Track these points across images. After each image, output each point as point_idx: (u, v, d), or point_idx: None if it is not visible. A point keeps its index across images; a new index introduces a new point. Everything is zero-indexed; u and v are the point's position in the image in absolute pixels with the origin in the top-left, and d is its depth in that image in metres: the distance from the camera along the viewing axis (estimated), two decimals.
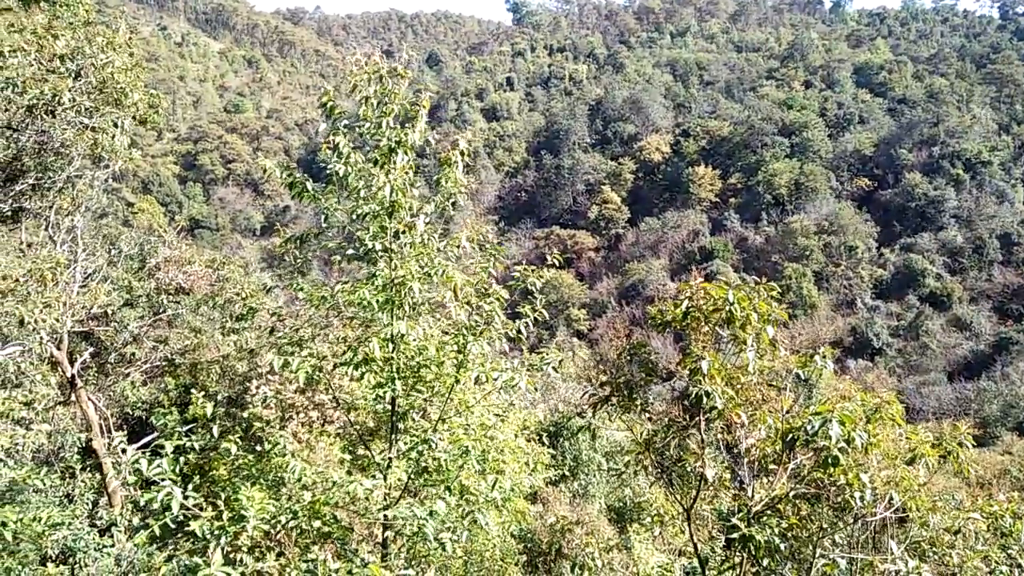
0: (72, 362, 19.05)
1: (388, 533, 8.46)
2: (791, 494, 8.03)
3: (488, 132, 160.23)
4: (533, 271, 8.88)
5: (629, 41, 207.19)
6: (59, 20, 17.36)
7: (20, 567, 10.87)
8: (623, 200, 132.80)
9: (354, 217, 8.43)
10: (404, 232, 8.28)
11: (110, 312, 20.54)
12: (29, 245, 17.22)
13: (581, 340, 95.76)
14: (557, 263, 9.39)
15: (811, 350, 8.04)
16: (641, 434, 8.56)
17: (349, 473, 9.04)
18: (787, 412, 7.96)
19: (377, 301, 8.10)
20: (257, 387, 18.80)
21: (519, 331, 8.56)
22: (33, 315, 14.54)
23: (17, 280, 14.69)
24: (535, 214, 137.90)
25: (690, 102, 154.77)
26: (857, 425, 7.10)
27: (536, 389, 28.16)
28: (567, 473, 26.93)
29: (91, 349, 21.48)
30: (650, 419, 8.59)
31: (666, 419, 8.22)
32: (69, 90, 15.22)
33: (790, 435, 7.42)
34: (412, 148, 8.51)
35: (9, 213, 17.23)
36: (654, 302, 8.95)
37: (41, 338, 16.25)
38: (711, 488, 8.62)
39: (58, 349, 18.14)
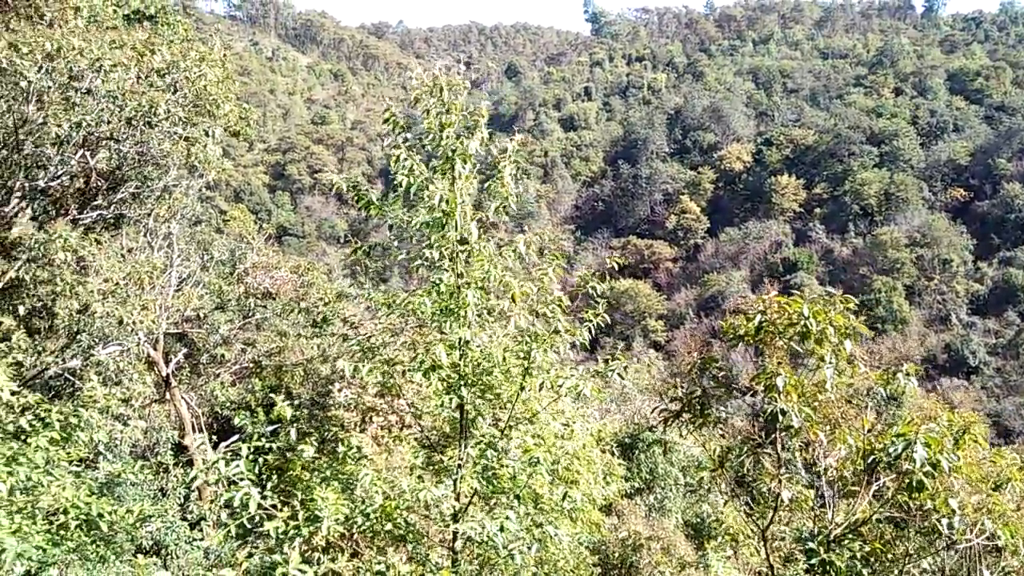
0: (167, 362, 20.01)
1: (458, 541, 8.56)
2: (874, 517, 7.72)
3: (565, 142, 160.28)
4: (595, 275, 8.89)
5: (710, 49, 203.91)
6: (159, 37, 18.35)
7: (115, 557, 11.42)
8: (702, 210, 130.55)
9: (418, 227, 8.62)
10: (460, 240, 8.42)
11: (202, 315, 21.51)
12: (129, 250, 18.22)
13: (658, 351, 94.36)
14: (616, 266, 9.40)
15: (894, 367, 7.70)
16: (714, 451, 8.39)
17: (420, 479, 9.20)
18: (869, 431, 7.65)
19: (439, 309, 8.26)
20: (339, 390, 19.32)
21: (585, 335, 8.55)
22: (131, 316, 15.38)
23: (117, 283, 15.56)
24: (612, 224, 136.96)
25: (773, 110, 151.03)
26: (943, 448, 6.75)
27: (601, 399, 27.90)
28: (642, 486, 26.58)
29: (184, 350, 22.52)
30: (724, 435, 8.42)
31: (740, 436, 8.02)
32: (165, 102, 16.03)
33: (872, 456, 7.13)
34: (470, 157, 8.65)
35: (112, 220, 18.30)
36: (734, 314, 8.79)
37: (139, 338, 17.16)
38: (788, 509, 8.37)
39: (154, 349, 19.08)
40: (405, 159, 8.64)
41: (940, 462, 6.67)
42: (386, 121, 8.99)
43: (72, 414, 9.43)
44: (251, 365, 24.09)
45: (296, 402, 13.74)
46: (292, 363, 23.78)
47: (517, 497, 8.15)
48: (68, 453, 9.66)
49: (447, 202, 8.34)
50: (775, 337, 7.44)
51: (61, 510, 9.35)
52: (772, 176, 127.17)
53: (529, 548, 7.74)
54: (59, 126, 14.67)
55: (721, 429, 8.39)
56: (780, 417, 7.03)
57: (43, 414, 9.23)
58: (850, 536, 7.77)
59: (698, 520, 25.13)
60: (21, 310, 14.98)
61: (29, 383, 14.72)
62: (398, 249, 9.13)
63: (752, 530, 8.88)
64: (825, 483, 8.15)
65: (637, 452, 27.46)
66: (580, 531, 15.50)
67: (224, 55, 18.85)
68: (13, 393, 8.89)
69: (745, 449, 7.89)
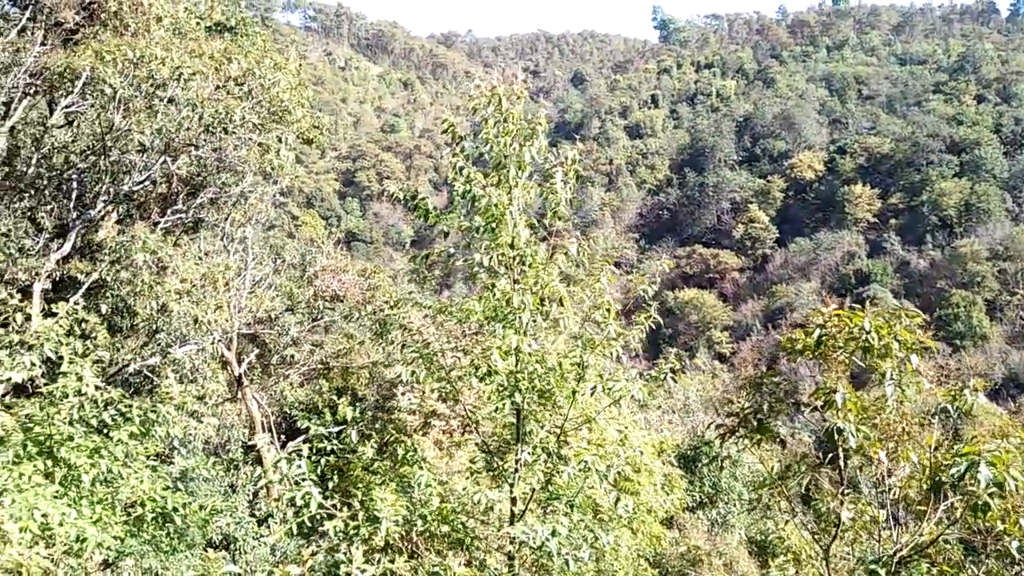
0: (240, 362, 20.70)
1: (513, 546, 8.62)
2: (942, 539, 7.45)
3: (631, 149, 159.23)
4: (653, 282, 8.88)
5: (781, 55, 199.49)
6: (237, 47, 19.08)
7: (187, 549, 11.82)
8: (771, 219, 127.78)
9: (474, 234, 8.76)
10: (511, 246, 8.51)
11: (273, 316, 22.19)
12: (206, 253, 18.95)
13: (723, 363, 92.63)
14: (667, 268, 9.35)
15: (961, 383, 7.42)
16: (773, 467, 8.23)
17: (477, 483, 9.29)
18: (935, 449, 7.38)
19: (493, 313, 8.37)
20: (402, 394, 19.65)
21: (636, 340, 8.53)
22: (206, 315, 16.01)
23: (193, 283, 16.22)
24: (677, 232, 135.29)
25: (847, 118, 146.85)
26: (1010, 467, 6.45)
27: (655, 403, 27.53)
28: (705, 500, 26.16)
29: (256, 351, 23.24)
30: (785, 452, 8.26)
31: (799, 453, 7.84)
32: (240, 108, 16.66)
33: (937, 475, 6.87)
34: (526, 165, 8.74)
35: (191, 224, 19.10)
36: (796, 327, 8.62)
37: (214, 338, 17.83)
38: (851, 528, 8.13)
39: (228, 349, 19.77)
40: (462, 167, 8.79)
41: (1006, 482, 6.39)
42: (444, 131, 9.17)
43: (151, 410, 9.86)
44: (319, 367, 24.69)
45: (361, 405, 14.05)
46: (358, 366, 24.29)
47: (571, 504, 8.17)
48: (146, 447, 10.07)
49: (498, 207, 8.44)
50: (835, 351, 7.25)
51: (138, 502, 9.72)
52: (845, 185, 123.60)
53: (584, 555, 7.75)
54: (142, 133, 15.40)
55: (783, 445, 8.22)
56: (837, 435, 6.84)
57: (124, 409, 9.66)
58: (917, 558, 7.53)
59: (762, 537, 24.58)
60: (104, 308, 15.75)
61: (111, 379, 15.43)
62: (457, 257, 9.27)
63: (814, 549, 8.66)
64: (890, 502, 7.90)
65: (700, 465, 27.04)
66: (640, 542, 15.37)
67: (299, 64, 19.50)
68: (97, 388, 9.34)
69: (804, 467, 7.70)
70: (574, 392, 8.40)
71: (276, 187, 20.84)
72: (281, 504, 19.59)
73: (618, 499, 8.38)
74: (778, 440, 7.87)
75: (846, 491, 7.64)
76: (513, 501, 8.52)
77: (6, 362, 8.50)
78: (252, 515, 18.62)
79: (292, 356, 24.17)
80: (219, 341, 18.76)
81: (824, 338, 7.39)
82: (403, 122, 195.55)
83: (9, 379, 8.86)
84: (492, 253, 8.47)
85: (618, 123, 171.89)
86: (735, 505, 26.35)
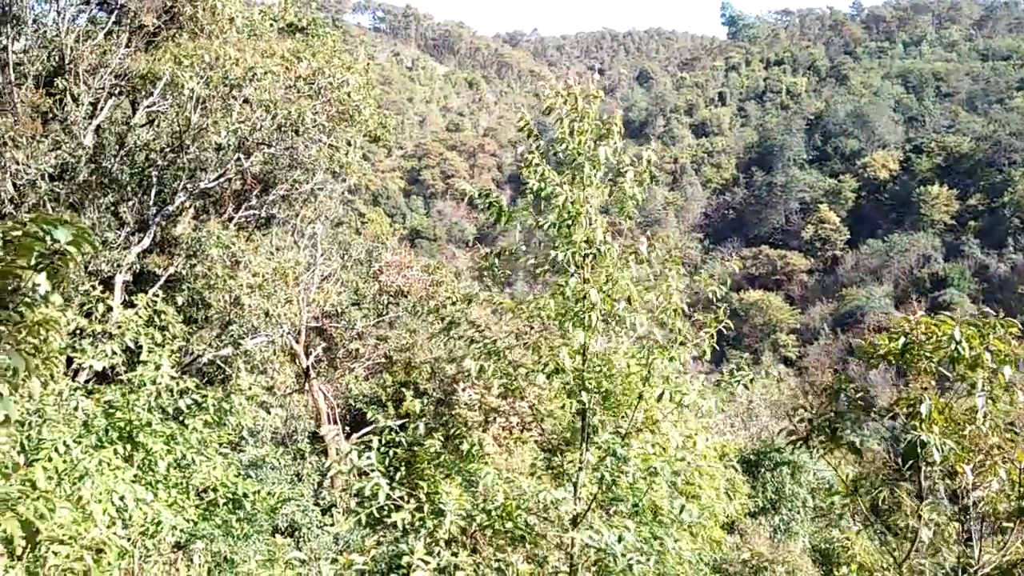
0: (307, 354, 21.19)
1: (576, 547, 8.59)
2: None
3: (696, 148, 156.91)
4: (713, 279, 8.73)
5: (855, 51, 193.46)
6: (307, 47, 19.54)
7: (256, 535, 12.16)
8: (842, 220, 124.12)
9: (547, 233, 8.77)
10: (586, 244, 8.48)
11: (340, 311, 22.65)
12: (277, 248, 19.46)
13: (789, 367, 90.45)
14: (736, 269, 9.14)
15: None
16: (848, 476, 7.97)
17: (540, 480, 9.29)
18: None
19: (565, 312, 8.36)
20: (463, 390, 19.81)
21: (705, 345, 8.40)
22: (277, 309, 16.45)
23: (264, 278, 16.68)
24: (743, 232, 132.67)
25: (924, 115, 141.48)
26: None
27: (724, 411, 27.11)
28: (767, 506, 25.62)
29: (323, 344, 23.76)
30: (860, 461, 7.98)
31: (877, 463, 7.56)
32: (311, 109, 17.06)
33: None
34: (600, 165, 8.72)
35: (263, 220, 19.65)
36: (876, 332, 8.32)
37: (283, 331, 18.31)
38: (929, 543, 7.80)
39: (297, 342, 20.27)
40: (537, 165, 8.82)
41: None
42: (520, 129, 9.21)
43: (224, 399, 10.17)
44: (383, 361, 25.08)
45: (423, 399, 14.23)
46: (421, 360, 24.58)
47: (636, 507, 8.09)
48: (219, 436, 10.40)
49: (574, 204, 8.45)
50: (921, 360, 6.95)
51: (211, 488, 10.06)
52: (921, 185, 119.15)
53: (648, 560, 7.66)
54: (218, 133, 15.92)
55: (858, 454, 7.92)
56: (921, 448, 6.54)
57: (199, 398, 10.00)
58: None
59: (827, 546, 23.95)
60: (180, 300, 16.33)
61: (186, 369, 15.99)
62: (525, 254, 9.31)
63: (888, 562, 8.36)
64: (973, 518, 7.55)
65: (763, 470, 26.50)
66: (699, 546, 15.17)
67: (367, 64, 19.85)
68: (173, 377, 9.68)
69: (881, 478, 7.41)
70: (640, 395, 8.32)
71: (344, 184, 21.26)
72: (345, 494, 20.01)
73: (683, 506, 8.25)
74: (853, 449, 7.60)
75: (925, 505, 7.32)
76: (576, 502, 8.49)
77: (89, 350, 8.87)
78: (316, 504, 19.04)
79: (357, 350, 24.61)
80: (288, 334, 19.24)
81: (910, 345, 7.11)
82: (467, 121, 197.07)
83: (91, 366, 9.24)
84: (566, 251, 8.47)
85: (684, 121, 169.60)
86: (799, 512, 25.76)
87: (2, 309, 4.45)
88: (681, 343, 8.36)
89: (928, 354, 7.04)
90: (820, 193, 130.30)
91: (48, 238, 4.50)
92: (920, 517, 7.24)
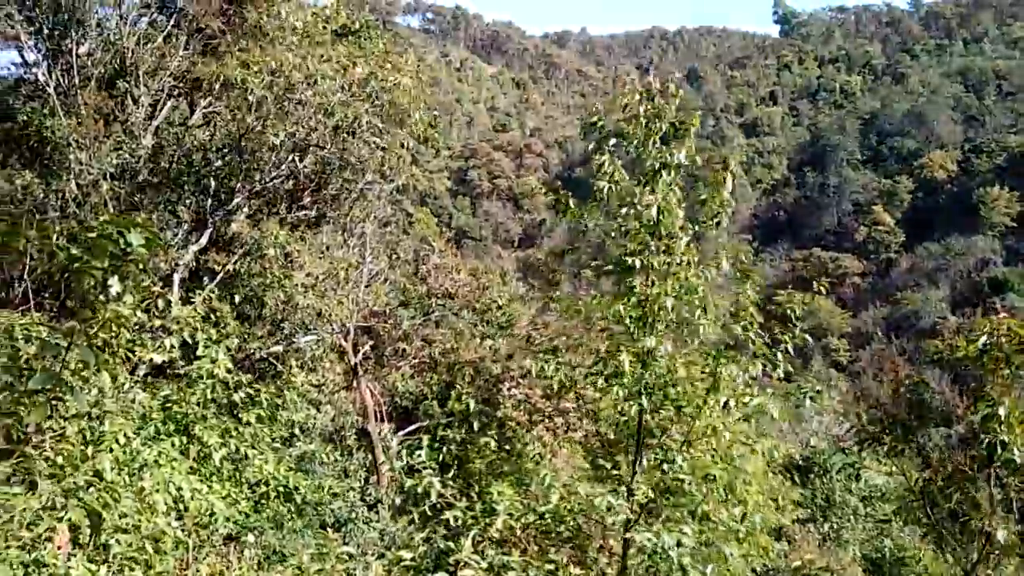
0: (355, 352, 21.45)
1: (631, 550, 8.51)
2: None
3: (746, 148, 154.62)
4: (795, 296, 8.49)
5: (913, 49, 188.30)
6: (360, 50, 19.78)
7: (306, 528, 12.36)
8: (896, 222, 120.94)
9: (613, 234, 8.64)
10: (665, 250, 8.32)
11: (388, 310, 22.88)
12: (327, 247, 19.73)
13: (839, 372, 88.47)
14: (824, 289, 8.83)
15: None
16: (915, 481, 7.74)
17: (590, 482, 9.23)
18: None
19: (631, 316, 8.22)
20: (508, 390, 19.82)
21: (775, 358, 8.21)
22: (329, 309, 16.70)
23: (318, 278, 16.94)
24: (793, 234, 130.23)
25: (984, 115, 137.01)
26: None
27: (787, 420, 26.68)
28: (817, 514, 25.14)
29: (371, 342, 24.03)
30: (927, 466, 7.74)
31: (948, 467, 7.32)
32: (366, 112, 17.26)
33: None
34: (678, 168, 8.54)
35: (314, 219, 19.94)
36: (933, 337, 8.07)
37: (333, 329, 18.57)
38: (997, 552, 7.54)
39: (345, 340, 20.53)
40: (608, 166, 8.71)
41: None
42: (592, 125, 9.06)
43: (277, 395, 10.37)
44: (428, 360, 25.24)
45: (468, 398, 14.25)
46: (465, 361, 24.69)
47: (692, 513, 7.98)
48: (271, 430, 10.60)
49: (664, 211, 8.27)
50: (1001, 364, 6.72)
51: (263, 481, 10.25)
52: (981, 187, 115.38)
53: (708, 569, 7.56)
54: (276, 135, 16.23)
55: (925, 457, 7.70)
56: (999, 449, 6.34)
57: (252, 393, 10.20)
58: None
59: (878, 555, 23.39)
60: (237, 298, 16.68)
61: (239, 364, 16.30)
62: (584, 253, 9.25)
63: (952, 572, 8.11)
64: None
65: (812, 477, 26.02)
66: (746, 552, 14.93)
67: (418, 67, 20.00)
68: (229, 371, 9.89)
69: (952, 481, 7.19)
70: (705, 401, 8.17)
71: (392, 185, 21.45)
72: (391, 491, 20.18)
73: (745, 515, 8.11)
74: (921, 451, 7.40)
75: (1000, 510, 7.09)
76: (630, 506, 8.42)
77: (150, 345, 9.11)
78: (363, 500, 19.25)
79: (403, 349, 24.82)
80: (337, 332, 19.51)
81: (990, 348, 6.88)
82: (514, 121, 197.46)
83: (149, 360, 9.46)
84: (636, 252, 8.35)
85: (734, 121, 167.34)
86: (849, 520, 25.23)
87: (80, 308, 4.63)
88: (754, 355, 8.20)
89: (1008, 356, 6.80)
90: (874, 194, 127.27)
91: (121, 241, 4.65)
92: (994, 521, 7.00)
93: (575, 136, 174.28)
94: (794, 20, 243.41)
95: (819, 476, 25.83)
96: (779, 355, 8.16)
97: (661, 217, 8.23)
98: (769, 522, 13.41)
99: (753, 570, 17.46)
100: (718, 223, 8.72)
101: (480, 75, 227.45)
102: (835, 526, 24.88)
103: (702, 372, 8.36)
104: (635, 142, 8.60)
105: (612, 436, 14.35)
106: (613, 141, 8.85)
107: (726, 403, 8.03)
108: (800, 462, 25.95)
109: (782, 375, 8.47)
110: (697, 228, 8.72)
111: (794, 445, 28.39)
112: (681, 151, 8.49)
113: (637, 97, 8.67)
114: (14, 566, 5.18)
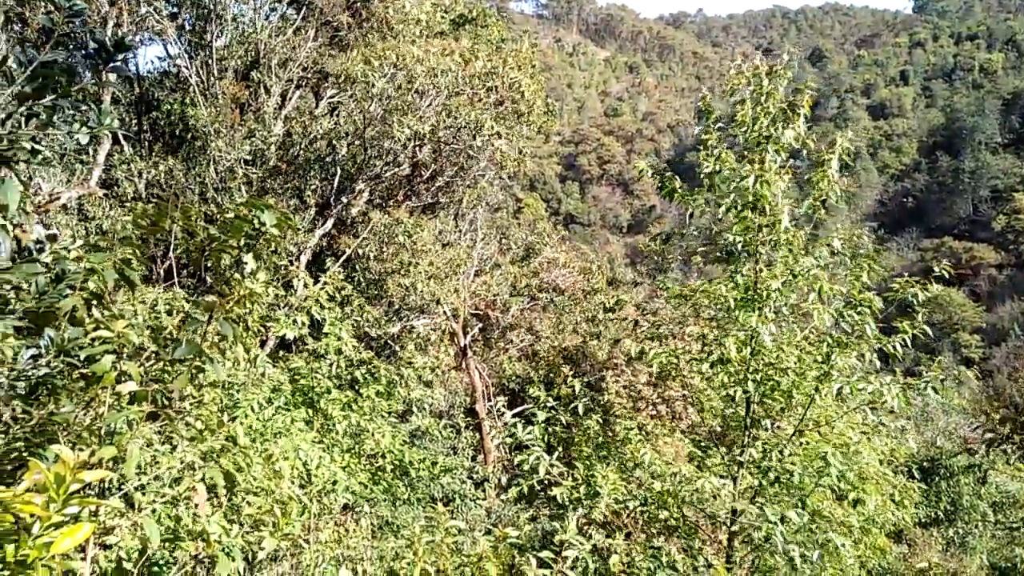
0: (465, 334, 22.04)
1: (736, 541, 8.48)
2: None
3: (873, 131, 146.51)
4: (917, 283, 8.08)
5: None
6: (479, 41, 20.18)
7: (419, 502, 12.90)
8: None
9: (719, 216, 8.52)
10: (767, 228, 8.15)
11: (497, 297, 23.37)
12: (440, 232, 20.35)
13: (970, 369, 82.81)
14: (947, 274, 8.34)
15: None
16: None
17: (699, 468, 9.23)
18: None
19: (734, 300, 8.09)
20: (612, 376, 19.88)
21: (894, 348, 7.88)
22: (446, 296, 17.33)
23: (438, 267, 17.58)
24: (923, 222, 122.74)
25: None
26: None
27: (909, 417, 25.43)
28: (941, 517, 23.86)
29: (480, 325, 24.60)
30: None
31: None
32: (490, 118, 17.71)
33: None
34: (784, 147, 8.34)
35: (429, 205, 20.61)
36: None
37: (446, 313, 19.19)
38: None
39: (456, 323, 21.13)
40: (715, 147, 8.64)
41: None
42: (702, 110, 9.01)
43: (396, 373, 10.90)
44: (534, 343, 25.57)
45: (578, 381, 14.42)
46: (574, 346, 24.85)
47: (802, 501, 7.85)
48: (389, 405, 11.15)
49: (759, 189, 8.11)
50: None
51: (380, 454, 10.81)
52: None
53: (815, 556, 7.46)
54: (402, 131, 16.88)
55: None
56: None
57: (373, 370, 10.77)
58: None
59: (1008, 565, 22.02)
60: (360, 280, 17.55)
61: (360, 343, 17.11)
62: (693, 238, 9.19)
63: None
64: None
65: (937, 479, 24.68)
66: (862, 552, 14.47)
67: (532, 53, 20.21)
68: (354, 347, 10.48)
69: None
70: (816, 390, 7.98)
71: (504, 171, 21.81)
72: (497, 469, 20.62)
73: (857, 502, 7.89)
74: None
75: None
76: (737, 494, 8.37)
77: (283, 320, 9.76)
78: (470, 477, 19.78)
79: (511, 336, 25.25)
80: (450, 316, 20.13)
81: None
82: (626, 106, 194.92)
83: (278, 335, 10.14)
84: (743, 237, 8.25)
85: (860, 102, 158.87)
86: (977, 526, 23.81)
87: (219, 283, 5.09)
88: (857, 333, 7.94)
89: None
90: (1016, 180, 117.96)
91: (256, 221, 5.08)
92: None
93: (689, 120, 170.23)
94: None
95: (944, 479, 24.47)
96: (897, 346, 7.81)
97: (759, 188, 8.03)
98: (887, 520, 12.95)
99: (868, 572, 16.91)
100: (824, 203, 8.46)
101: (592, 59, 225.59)
102: (960, 532, 23.55)
103: (814, 360, 8.15)
104: (743, 126, 8.45)
105: (718, 427, 14.23)
106: (720, 124, 8.74)
107: (839, 391, 7.82)
108: (925, 463, 24.67)
109: (904, 368, 8.15)
110: (804, 210, 8.47)
111: (919, 444, 27.00)
112: (790, 130, 8.27)
113: (745, 80, 8.51)
114: (162, 520, 5.74)
